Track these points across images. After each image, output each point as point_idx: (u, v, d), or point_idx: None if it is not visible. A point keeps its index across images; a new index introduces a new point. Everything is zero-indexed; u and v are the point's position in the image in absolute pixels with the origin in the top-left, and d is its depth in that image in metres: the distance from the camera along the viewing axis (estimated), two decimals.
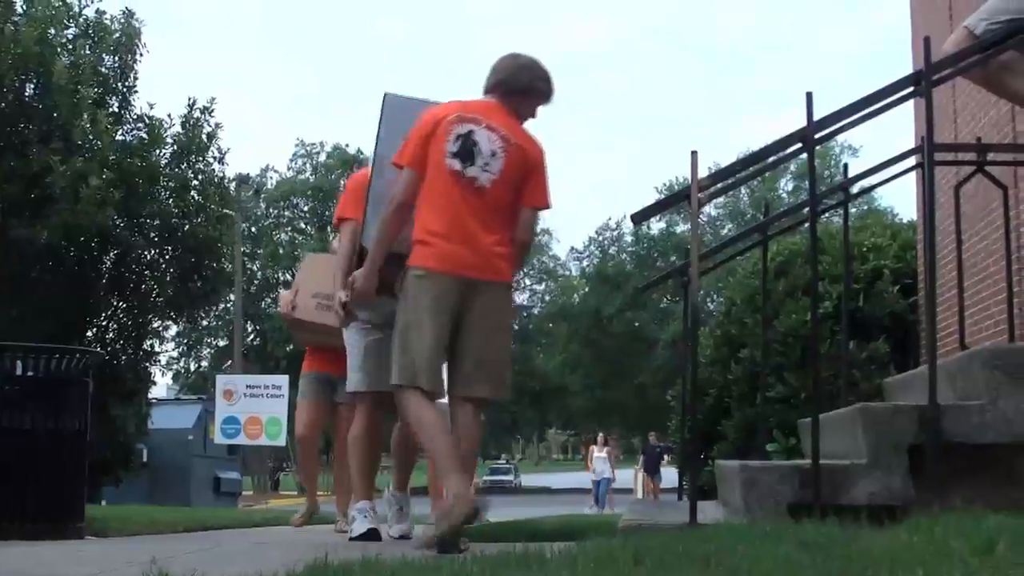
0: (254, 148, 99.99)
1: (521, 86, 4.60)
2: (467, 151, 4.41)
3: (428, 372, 4.34)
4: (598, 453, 27.14)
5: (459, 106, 4.53)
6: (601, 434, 29.04)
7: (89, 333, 16.53)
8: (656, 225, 54.08)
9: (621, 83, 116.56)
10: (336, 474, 7.27)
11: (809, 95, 3.81)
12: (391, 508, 5.63)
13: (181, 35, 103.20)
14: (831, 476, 3.59)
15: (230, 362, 39.58)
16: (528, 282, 59.00)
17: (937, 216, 4.19)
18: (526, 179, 4.50)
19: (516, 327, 57.74)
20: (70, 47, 16.56)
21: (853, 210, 7.20)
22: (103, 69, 16.85)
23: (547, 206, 4.61)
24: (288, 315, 6.92)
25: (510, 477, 55.13)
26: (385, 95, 4.89)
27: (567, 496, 33.88)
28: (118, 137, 16.60)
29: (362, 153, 50.98)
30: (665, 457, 27.83)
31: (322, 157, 54.96)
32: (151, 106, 17.34)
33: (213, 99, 17.77)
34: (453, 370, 4.44)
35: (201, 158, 17.66)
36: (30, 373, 6.00)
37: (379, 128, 4.87)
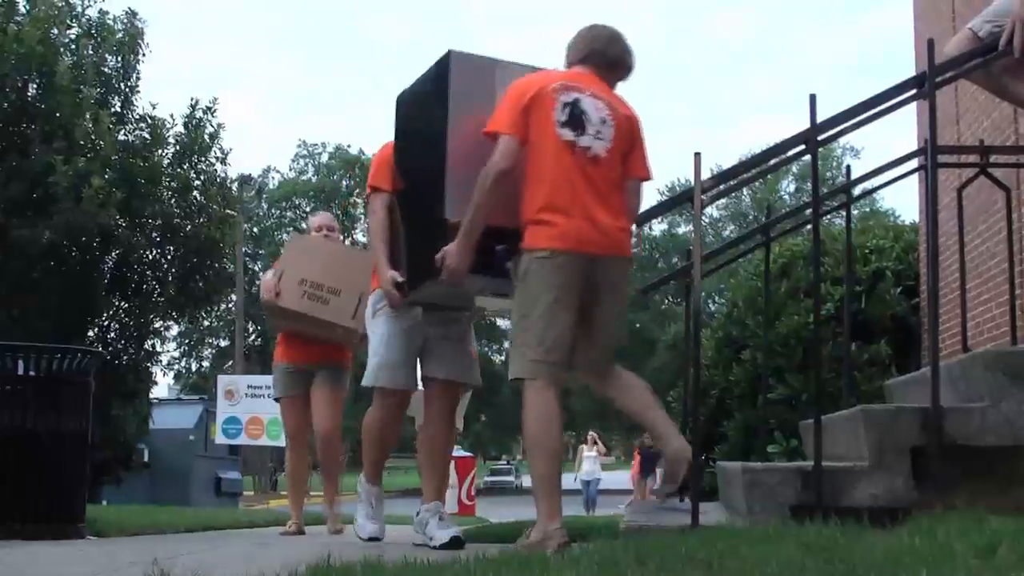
0: (256, 149, 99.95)
1: (612, 58, 4.41)
2: (577, 119, 4.17)
3: (558, 361, 4.05)
4: (587, 453, 25.98)
5: (560, 75, 4.31)
6: (591, 433, 27.17)
7: (91, 333, 16.53)
8: (658, 226, 54.15)
9: (621, 84, 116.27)
10: (324, 472, 7.16)
11: (813, 97, 3.81)
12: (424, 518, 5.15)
13: (184, 35, 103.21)
14: (833, 478, 3.59)
15: (231, 362, 39.59)
16: None
17: (940, 218, 4.19)
18: (631, 149, 4.29)
19: None
20: (73, 47, 16.57)
21: (855, 212, 7.20)
22: (106, 69, 16.87)
23: (650, 178, 4.39)
24: (271, 302, 6.40)
25: (511, 478, 55.12)
26: (450, 52, 4.47)
27: (568, 497, 33.70)
28: (120, 137, 16.61)
29: (363, 154, 51.04)
30: (661, 459, 26.57)
31: (324, 158, 55.03)
32: (153, 106, 17.37)
33: (215, 99, 17.79)
34: (579, 351, 4.14)
35: (203, 158, 17.67)
36: (32, 373, 5.99)
37: (448, 84, 4.39)
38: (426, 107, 4.64)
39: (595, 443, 26.46)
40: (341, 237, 8.58)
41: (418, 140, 4.74)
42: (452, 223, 4.26)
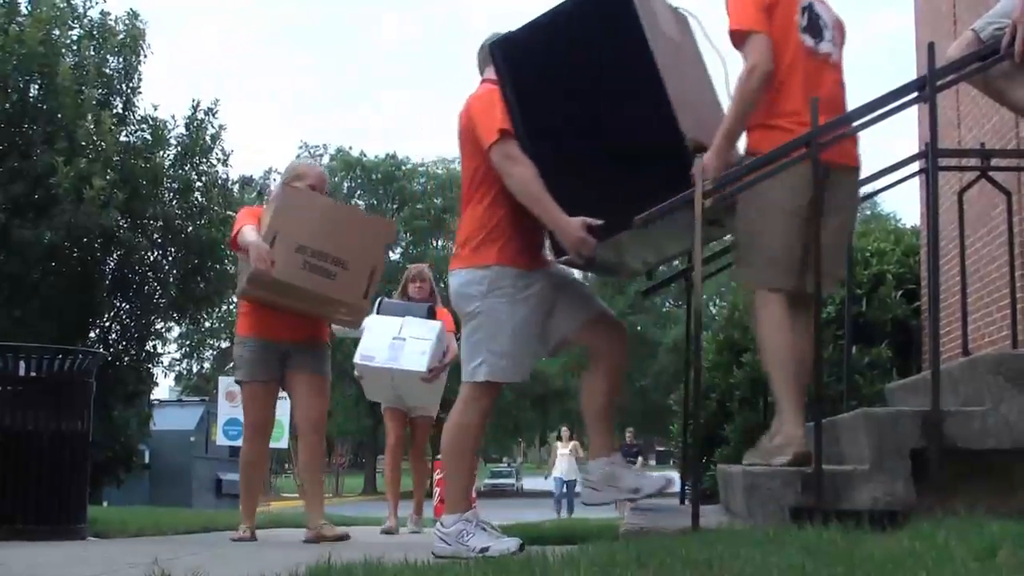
0: (258, 150, 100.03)
1: None
2: (814, 24, 4.05)
3: (795, 272, 3.96)
4: (562, 450, 23.28)
5: None
6: (565, 428, 24.05)
7: (92, 334, 16.52)
8: None
9: None
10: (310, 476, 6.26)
11: (815, 101, 3.81)
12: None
13: (185, 37, 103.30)
14: (833, 481, 3.59)
15: (232, 364, 39.58)
16: None
17: (940, 221, 4.19)
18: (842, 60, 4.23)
19: None
20: (74, 48, 16.56)
21: (856, 215, 7.20)
22: (107, 70, 16.85)
23: None
24: (263, 274, 5.30)
25: (511, 480, 55.07)
26: None
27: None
28: (122, 138, 16.60)
29: (364, 155, 51.03)
30: (639, 457, 24.52)
31: (325, 159, 54.95)
32: (155, 107, 17.35)
33: (217, 101, 17.79)
34: (805, 265, 3.97)
35: (205, 160, 17.67)
36: (33, 374, 5.99)
37: (634, 6, 4.05)
38: (594, 35, 4.18)
39: (570, 439, 23.50)
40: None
41: (585, 72, 4.21)
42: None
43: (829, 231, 3.96)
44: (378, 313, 7.41)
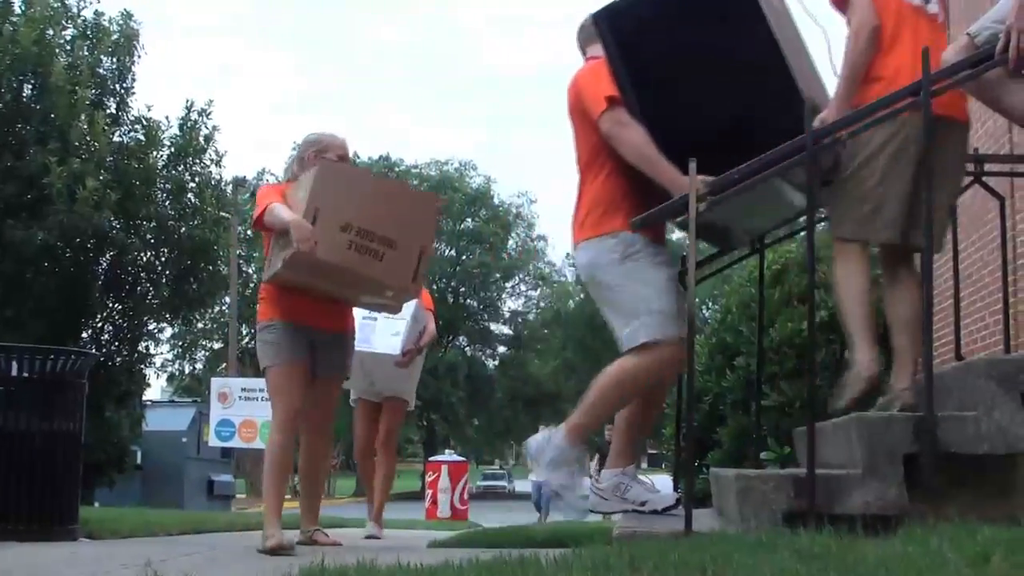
0: (251, 151, 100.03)
1: None
2: None
3: (897, 226, 3.96)
4: None
5: None
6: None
7: (84, 334, 16.51)
8: None
9: None
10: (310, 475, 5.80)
11: (810, 104, 3.81)
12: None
13: (179, 37, 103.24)
14: (826, 485, 3.59)
15: (225, 365, 39.53)
16: (523, 288, 59.04)
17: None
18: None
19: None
20: (68, 48, 16.56)
21: None
22: (101, 70, 16.85)
23: None
24: (308, 255, 4.74)
25: (504, 483, 55.08)
26: None
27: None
28: (115, 139, 16.61)
29: (359, 156, 50.99)
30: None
31: None
32: (149, 108, 17.37)
33: (211, 101, 17.80)
34: (910, 219, 3.97)
35: (198, 160, 17.67)
36: (25, 374, 5.98)
37: None
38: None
39: None
40: None
41: (699, 38, 4.21)
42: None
43: (942, 192, 3.98)
44: None
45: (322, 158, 5.21)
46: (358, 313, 5.94)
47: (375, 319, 6.49)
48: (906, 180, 3.94)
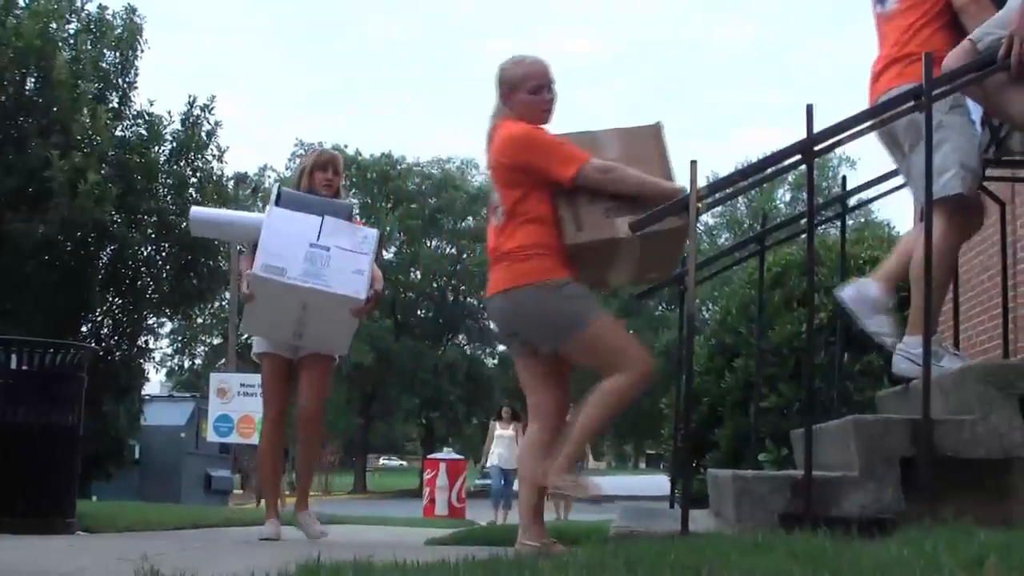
0: (253, 147, 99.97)
1: None
2: None
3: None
4: (501, 431, 17.05)
5: None
6: (506, 407, 17.63)
7: (84, 328, 16.54)
8: None
9: (619, 90, 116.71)
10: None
11: (810, 108, 3.82)
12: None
13: (182, 32, 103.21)
14: (823, 487, 3.60)
15: (224, 360, 39.56)
16: None
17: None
18: None
19: None
20: (71, 42, 16.60)
21: (850, 222, 7.22)
22: (104, 64, 16.89)
23: None
24: (683, 228, 3.96)
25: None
26: None
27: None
28: (117, 133, 16.64)
29: (360, 154, 50.97)
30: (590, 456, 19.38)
31: None
32: (151, 103, 17.43)
33: (213, 97, 17.83)
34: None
35: (200, 156, 17.71)
36: (24, 367, 5.99)
37: None
38: None
39: (514, 419, 16.99)
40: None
41: None
42: None
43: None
44: (278, 205, 5.37)
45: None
46: (302, 238, 5.21)
47: (327, 249, 5.25)
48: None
